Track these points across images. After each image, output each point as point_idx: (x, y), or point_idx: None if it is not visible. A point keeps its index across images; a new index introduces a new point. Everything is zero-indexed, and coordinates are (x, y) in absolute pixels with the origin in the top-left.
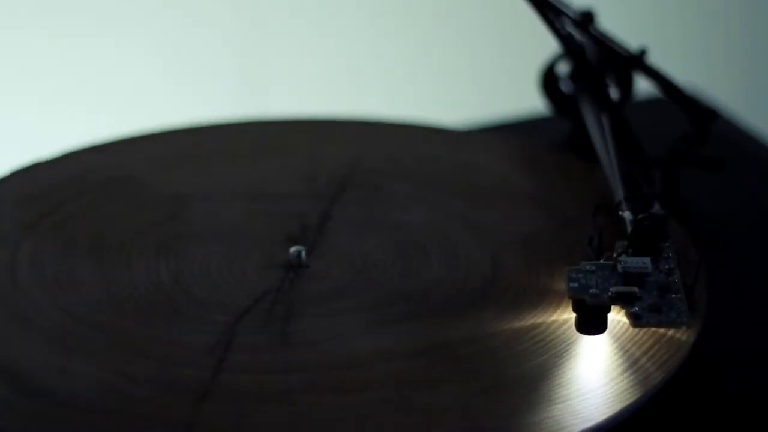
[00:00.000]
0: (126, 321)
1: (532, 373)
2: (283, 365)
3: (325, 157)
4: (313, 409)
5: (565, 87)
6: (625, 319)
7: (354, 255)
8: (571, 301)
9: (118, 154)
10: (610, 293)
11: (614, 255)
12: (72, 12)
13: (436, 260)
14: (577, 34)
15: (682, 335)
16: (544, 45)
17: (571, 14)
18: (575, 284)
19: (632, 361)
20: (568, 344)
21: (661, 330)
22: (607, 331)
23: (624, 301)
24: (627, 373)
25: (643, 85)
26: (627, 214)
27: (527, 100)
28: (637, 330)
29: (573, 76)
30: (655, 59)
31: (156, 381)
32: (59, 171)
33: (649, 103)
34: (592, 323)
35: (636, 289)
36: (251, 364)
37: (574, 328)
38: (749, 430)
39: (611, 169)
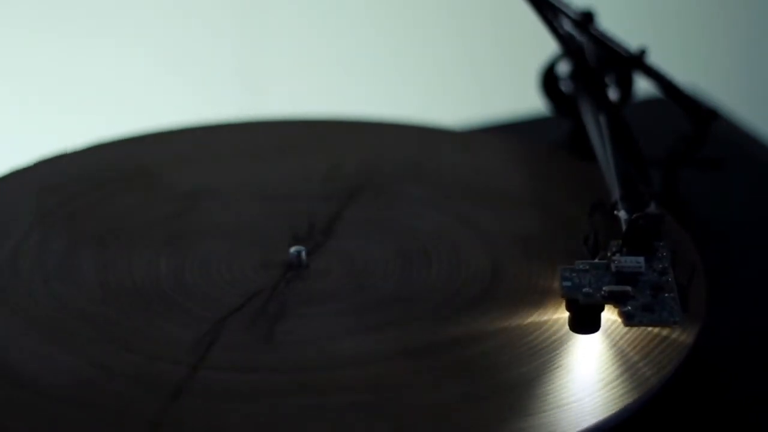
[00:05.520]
0: (117, 314)
1: (528, 376)
2: (262, 365)
3: (329, 158)
4: (284, 409)
5: (565, 87)
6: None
7: (356, 257)
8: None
9: (138, 149)
10: (603, 292)
11: (608, 254)
12: (73, 12)
13: (435, 261)
14: (576, 34)
15: (680, 336)
16: (544, 45)
17: (570, 14)
18: (568, 283)
19: (629, 364)
20: (565, 346)
21: (658, 331)
22: (605, 332)
23: (617, 300)
24: (624, 376)
25: (643, 85)
26: (622, 214)
27: (527, 100)
28: (634, 331)
29: (573, 76)
30: (655, 59)
31: (134, 376)
32: (83, 162)
33: (649, 103)
34: (585, 322)
35: (629, 288)
36: (230, 362)
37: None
38: None
39: (608, 169)
